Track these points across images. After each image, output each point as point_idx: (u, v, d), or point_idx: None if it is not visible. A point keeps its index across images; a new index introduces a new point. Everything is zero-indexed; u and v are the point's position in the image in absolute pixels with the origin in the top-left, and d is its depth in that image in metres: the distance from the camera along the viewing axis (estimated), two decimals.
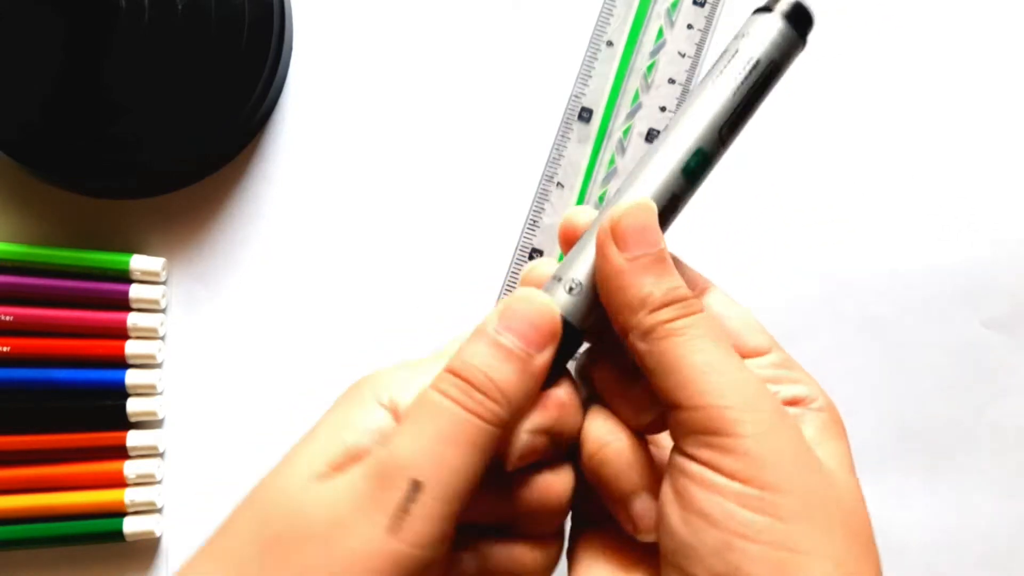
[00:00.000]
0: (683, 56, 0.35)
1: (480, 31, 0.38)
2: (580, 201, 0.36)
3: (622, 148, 0.35)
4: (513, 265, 0.36)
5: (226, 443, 0.37)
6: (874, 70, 0.39)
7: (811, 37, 0.38)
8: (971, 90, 0.39)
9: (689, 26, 0.35)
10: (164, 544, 0.37)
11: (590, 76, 0.35)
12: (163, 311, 0.37)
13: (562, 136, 0.35)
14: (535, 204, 0.35)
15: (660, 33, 0.35)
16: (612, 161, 0.35)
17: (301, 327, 0.37)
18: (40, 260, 0.36)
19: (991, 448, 0.38)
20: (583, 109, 0.35)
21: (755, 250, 0.38)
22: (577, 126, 0.35)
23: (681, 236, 0.38)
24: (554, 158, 0.35)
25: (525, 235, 0.35)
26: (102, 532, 0.36)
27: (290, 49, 0.38)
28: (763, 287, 0.38)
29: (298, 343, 0.37)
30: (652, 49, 0.35)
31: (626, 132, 0.35)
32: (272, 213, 0.38)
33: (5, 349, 0.36)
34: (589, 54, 0.35)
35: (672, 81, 0.35)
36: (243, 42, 0.35)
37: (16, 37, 0.35)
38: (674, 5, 0.35)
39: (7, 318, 0.36)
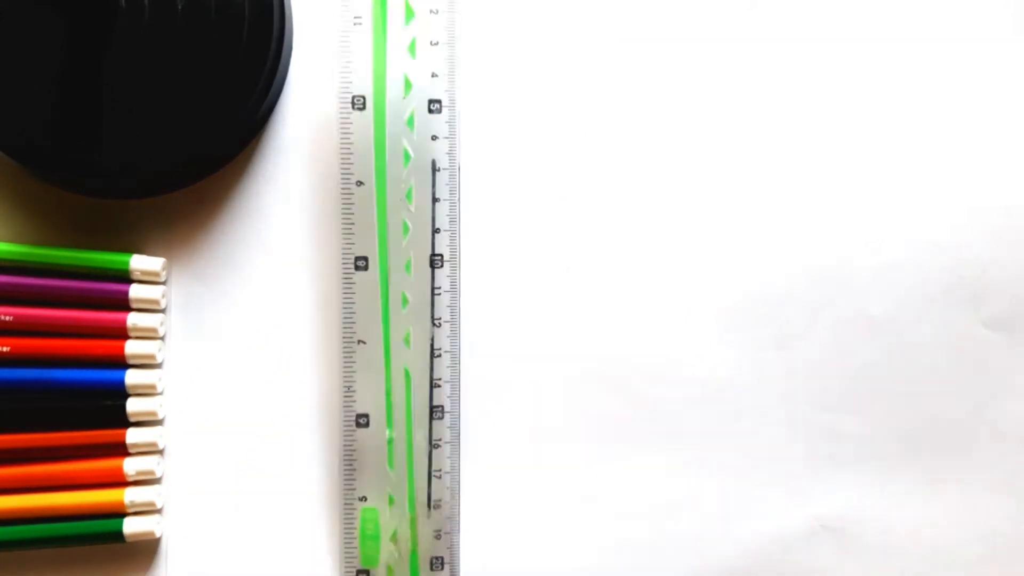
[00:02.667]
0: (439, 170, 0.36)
1: None
2: (387, 354, 0.36)
3: (409, 282, 0.36)
4: (344, 436, 0.37)
5: (226, 444, 0.37)
6: (872, 66, 0.39)
7: (811, 32, 0.38)
8: (973, 90, 0.39)
9: (434, 137, 0.36)
10: (164, 545, 0.37)
11: (352, 223, 0.36)
12: (163, 311, 0.37)
13: (347, 292, 0.36)
14: (345, 367, 0.36)
15: (407, 156, 0.35)
16: (405, 300, 0.36)
17: (302, 326, 0.37)
18: (40, 260, 0.36)
19: (991, 448, 0.38)
20: (357, 258, 0.36)
21: (753, 249, 0.38)
22: (358, 276, 0.36)
23: (679, 236, 0.38)
24: (347, 315, 0.36)
25: (346, 403, 0.36)
26: (102, 533, 0.36)
27: (290, 48, 0.38)
28: (762, 287, 0.38)
29: (299, 342, 0.37)
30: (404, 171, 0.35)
31: (407, 265, 0.36)
32: (273, 213, 0.38)
33: (5, 349, 0.36)
34: (344, 198, 0.36)
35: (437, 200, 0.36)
36: (243, 41, 0.35)
37: (16, 37, 0.35)
38: (410, 121, 0.35)
39: (7, 318, 0.36)
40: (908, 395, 0.38)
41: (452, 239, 0.36)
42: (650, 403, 0.38)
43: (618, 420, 0.38)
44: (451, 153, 0.35)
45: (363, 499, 0.36)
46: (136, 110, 0.35)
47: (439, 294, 0.36)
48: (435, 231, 0.35)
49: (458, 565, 0.37)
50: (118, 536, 0.36)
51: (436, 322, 0.36)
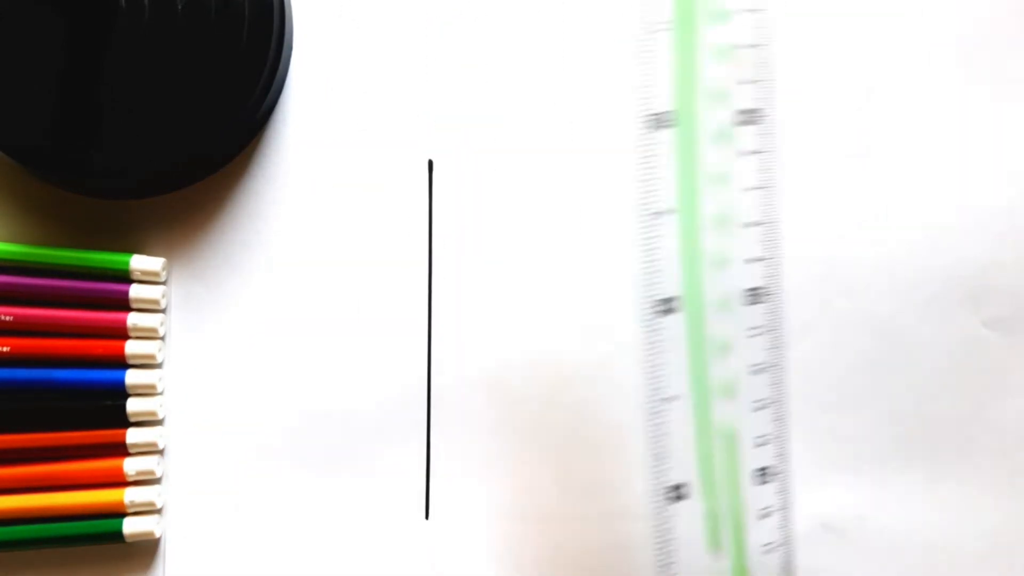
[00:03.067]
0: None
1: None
2: (704, 411, 0.31)
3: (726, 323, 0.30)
4: (656, 515, 0.33)
5: (226, 444, 0.37)
6: (873, 64, 0.39)
7: (814, 31, 0.37)
8: (972, 89, 0.39)
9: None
10: (164, 545, 0.37)
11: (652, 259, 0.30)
12: (163, 311, 0.37)
13: (651, 339, 0.29)
14: (653, 427, 0.32)
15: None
16: (723, 344, 0.31)
17: (302, 327, 0.37)
18: (40, 260, 0.36)
19: (991, 448, 0.38)
20: (660, 300, 0.30)
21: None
22: (666, 320, 0.30)
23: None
24: (652, 368, 0.30)
25: (655, 473, 0.31)
26: (101, 533, 0.36)
27: (290, 48, 0.38)
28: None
29: (299, 342, 0.37)
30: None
31: (723, 301, 0.31)
32: (272, 213, 0.38)
33: (5, 349, 0.36)
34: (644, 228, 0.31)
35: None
36: (243, 41, 0.35)
37: (15, 37, 0.35)
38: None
39: (7, 318, 0.36)
40: (908, 395, 0.38)
41: (772, 267, 0.31)
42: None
43: (619, 419, 0.38)
44: (768, 171, 0.30)
45: None
46: (136, 110, 0.35)
47: (758, 334, 0.31)
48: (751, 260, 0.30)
49: None
50: (118, 536, 0.36)
51: (755, 368, 0.32)
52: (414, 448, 0.38)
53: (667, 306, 0.29)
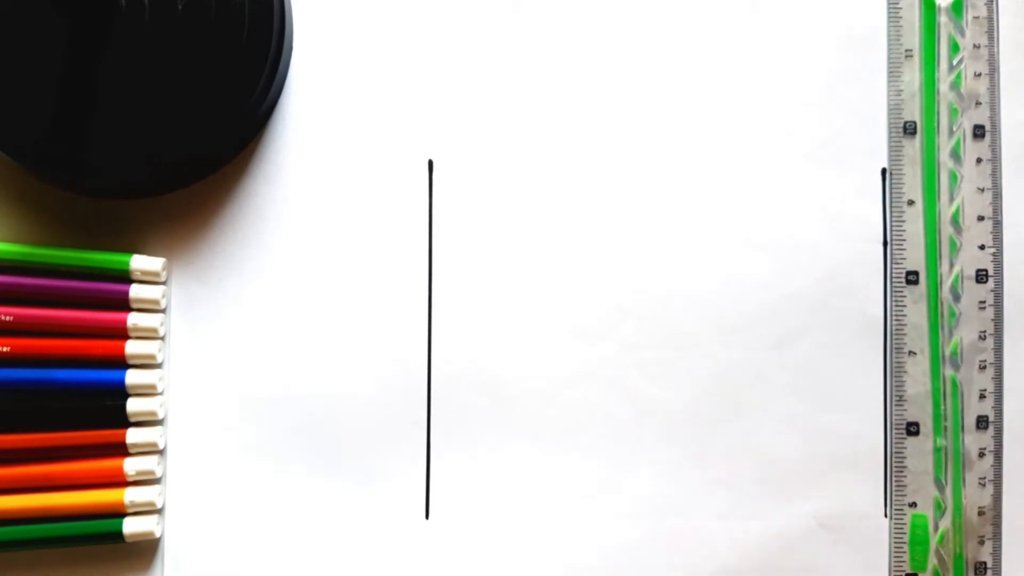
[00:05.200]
0: (983, 191, 0.37)
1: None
2: (935, 362, 0.38)
3: (956, 296, 0.37)
4: (894, 444, 0.38)
5: (226, 444, 0.37)
6: (869, 64, 0.39)
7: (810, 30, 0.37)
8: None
9: (978, 160, 0.37)
10: (164, 545, 0.37)
11: (903, 239, 0.37)
12: (163, 311, 0.37)
13: (897, 304, 0.37)
14: (896, 378, 0.38)
15: (953, 177, 0.37)
16: (952, 312, 0.37)
17: (301, 327, 0.37)
18: (40, 260, 0.36)
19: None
20: (908, 272, 0.37)
21: (753, 249, 0.38)
22: (908, 290, 0.37)
23: (680, 234, 0.38)
24: (899, 327, 0.37)
25: (897, 411, 0.38)
26: (101, 533, 0.36)
27: (290, 48, 0.38)
28: (761, 286, 0.38)
29: (298, 343, 0.37)
30: (951, 195, 0.37)
31: (956, 280, 0.37)
32: (272, 213, 0.38)
33: (5, 349, 0.36)
34: (895, 216, 0.37)
35: (981, 218, 0.37)
36: (243, 41, 0.35)
37: (15, 37, 0.35)
38: (957, 146, 0.37)
39: (7, 318, 0.36)
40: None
41: (995, 255, 0.38)
42: (650, 402, 0.38)
43: (618, 419, 0.38)
44: (994, 174, 0.38)
45: (913, 505, 0.38)
46: (136, 110, 0.35)
47: (984, 308, 0.38)
48: (980, 247, 0.38)
49: (1000, 570, 0.38)
50: (118, 536, 0.36)
51: (981, 335, 0.38)
52: (414, 448, 0.38)
53: (913, 277, 0.37)
